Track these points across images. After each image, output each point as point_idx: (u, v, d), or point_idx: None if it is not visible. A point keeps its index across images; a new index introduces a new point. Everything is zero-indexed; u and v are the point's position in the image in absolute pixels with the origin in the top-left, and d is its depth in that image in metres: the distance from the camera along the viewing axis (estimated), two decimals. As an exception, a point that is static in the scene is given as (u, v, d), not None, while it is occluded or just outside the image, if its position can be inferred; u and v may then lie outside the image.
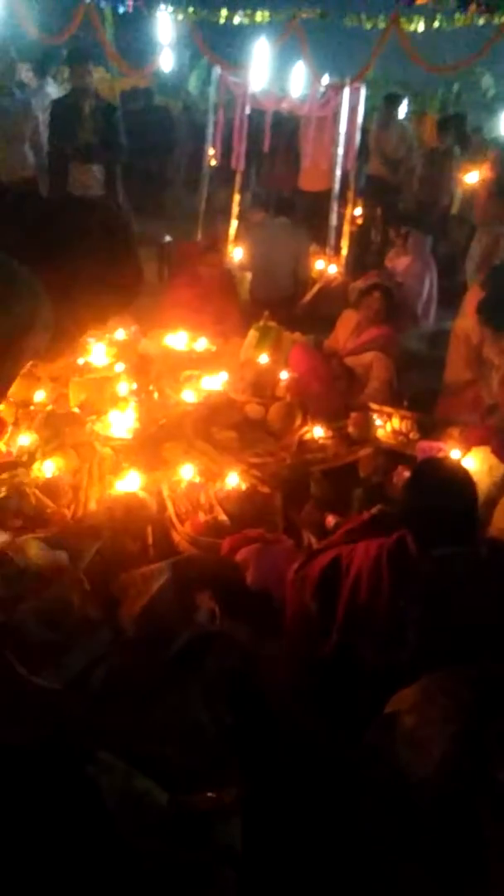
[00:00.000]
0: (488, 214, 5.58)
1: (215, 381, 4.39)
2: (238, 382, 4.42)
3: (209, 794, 1.99)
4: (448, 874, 1.79)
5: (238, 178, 7.20)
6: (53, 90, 8.15)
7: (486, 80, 14.54)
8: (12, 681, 2.18)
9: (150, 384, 4.26)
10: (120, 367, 4.36)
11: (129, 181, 7.37)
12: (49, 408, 3.82)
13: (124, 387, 4.10)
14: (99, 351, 4.48)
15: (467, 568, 2.13)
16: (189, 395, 4.21)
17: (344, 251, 7.09)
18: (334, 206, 6.88)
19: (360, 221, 8.28)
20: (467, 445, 3.45)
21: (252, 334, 5.00)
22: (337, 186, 6.86)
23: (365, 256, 7.89)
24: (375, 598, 2.17)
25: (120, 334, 4.80)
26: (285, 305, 5.96)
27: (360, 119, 6.82)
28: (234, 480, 3.41)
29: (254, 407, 4.12)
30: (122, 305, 1.80)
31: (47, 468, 3.36)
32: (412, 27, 6.29)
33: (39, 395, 3.91)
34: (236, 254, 6.58)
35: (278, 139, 8.51)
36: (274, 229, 6.53)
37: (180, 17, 7.51)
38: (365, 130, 7.38)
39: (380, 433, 3.97)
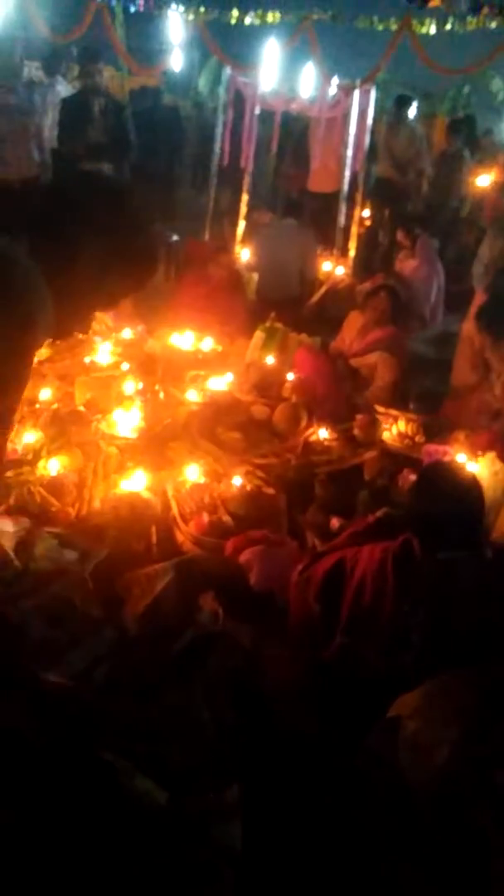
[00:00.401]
0: (499, 217, 5.57)
1: (221, 382, 4.39)
2: (243, 383, 4.42)
3: (209, 794, 1.99)
4: (449, 878, 1.79)
5: (246, 179, 7.20)
6: (63, 88, 8.16)
7: (496, 82, 14.51)
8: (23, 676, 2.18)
9: (156, 384, 4.25)
10: (126, 366, 4.36)
11: (137, 180, 7.38)
12: (55, 406, 3.82)
13: (130, 386, 4.10)
14: (105, 350, 4.49)
15: (472, 572, 2.13)
16: (194, 396, 4.21)
17: (351, 253, 7.09)
18: (342, 208, 6.87)
19: (368, 223, 8.28)
20: (473, 451, 3.44)
21: (258, 335, 5.00)
22: (345, 188, 6.85)
23: (372, 258, 7.89)
24: (380, 601, 2.17)
25: (126, 333, 4.81)
26: (292, 306, 5.96)
27: (369, 121, 6.82)
28: (238, 481, 3.41)
29: (259, 408, 4.11)
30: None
31: (52, 466, 3.36)
32: (424, 29, 6.28)
33: (45, 394, 3.92)
34: (243, 254, 6.59)
35: (287, 140, 8.53)
36: (281, 230, 6.54)
37: (191, 16, 7.51)
38: (374, 132, 7.37)
39: (385, 436, 3.96)
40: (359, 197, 7.30)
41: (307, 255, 6.46)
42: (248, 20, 7.06)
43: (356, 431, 3.94)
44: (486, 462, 3.34)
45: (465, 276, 6.19)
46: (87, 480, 3.35)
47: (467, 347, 4.29)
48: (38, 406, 3.80)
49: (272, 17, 6.95)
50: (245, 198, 7.18)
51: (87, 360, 4.34)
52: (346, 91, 6.60)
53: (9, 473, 3.24)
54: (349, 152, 6.69)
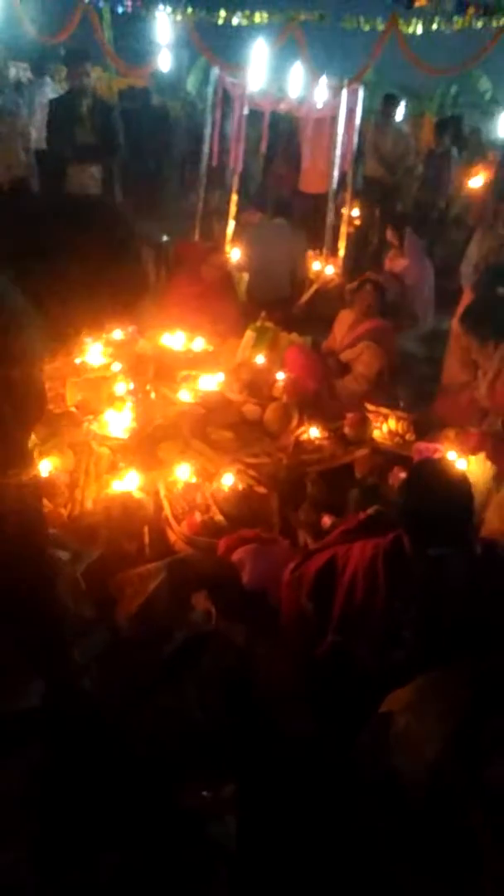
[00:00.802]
0: (488, 216, 5.60)
1: (212, 382, 4.39)
2: (234, 383, 4.42)
3: (204, 793, 2.00)
4: (442, 873, 1.80)
5: (236, 179, 7.21)
6: (51, 89, 8.15)
7: (483, 82, 14.57)
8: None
9: (148, 384, 4.26)
10: (117, 366, 4.36)
11: (126, 180, 7.37)
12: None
13: (121, 386, 4.10)
14: (96, 350, 4.48)
15: (462, 568, 2.14)
16: (186, 396, 4.22)
17: (341, 252, 7.10)
18: (331, 207, 6.89)
19: (357, 223, 8.29)
20: (464, 450, 3.46)
21: (249, 335, 5.01)
22: (334, 187, 6.87)
23: (362, 258, 7.90)
24: (371, 598, 2.19)
25: (117, 334, 4.80)
26: (282, 306, 5.97)
27: (357, 120, 6.83)
28: (230, 480, 3.42)
29: (250, 407, 4.12)
30: (121, 308, 1.79)
31: (44, 467, 3.36)
32: (410, 30, 6.30)
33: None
34: (233, 254, 6.59)
35: (276, 140, 8.53)
36: (271, 230, 6.55)
37: (179, 17, 7.51)
38: (362, 132, 7.39)
39: (376, 434, 3.98)
40: (348, 196, 7.31)
41: (297, 255, 6.47)
42: (235, 21, 7.06)
43: (347, 430, 3.96)
44: (476, 460, 3.36)
45: (454, 274, 6.23)
46: (78, 481, 3.35)
47: (456, 345, 4.31)
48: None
49: (259, 17, 6.96)
50: (234, 198, 7.18)
51: (77, 360, 4.34)
52: (335, 91, 6.61)
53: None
54: (337, 152, 6.70)
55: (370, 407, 4.16)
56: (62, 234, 1.64)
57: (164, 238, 6.90)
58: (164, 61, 9.24)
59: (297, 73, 7.33)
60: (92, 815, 1.94)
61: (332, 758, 2.10)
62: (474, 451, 3.41)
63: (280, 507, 3.38)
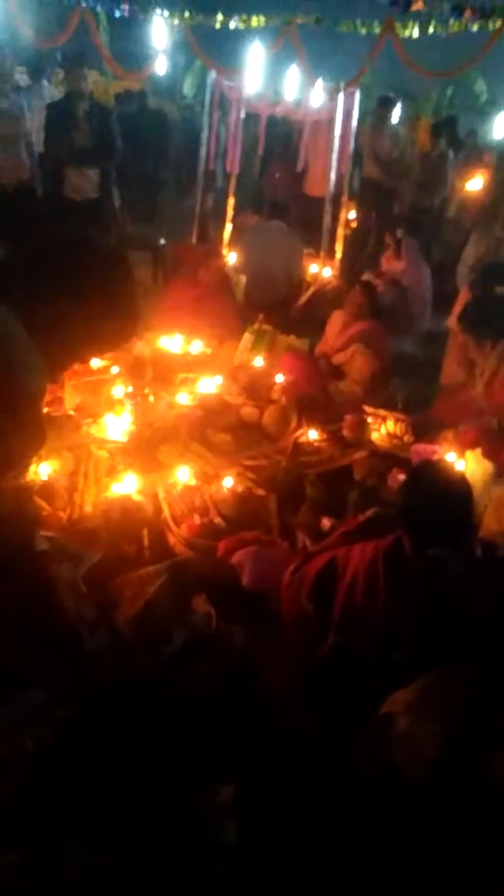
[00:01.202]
0: (485, 217, 5.63)
1: (210, 384, 4.40)
2: (232, 385, 4.43)
3: (205, 794, 2.00)
4: (444, 874, 1.80)
5: (232, 182, 7.22)
6: (48, 93, 8.16)
7: (479, 84, 14.64)
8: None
9: (146, 387, 4.26)
10: (115, 369, 4.36)
11: (123, 184, 7.39)
12: (45, 410, 3.82)
13: (120, 390, 4.11)
14: (94, 354, 4.48)
15: (462, 569, 2.15)
16: (184, 398, 4.22)
17: (338, 255, 7.11)
18: (329, 210, 6.90)
19: (354, 225, 8.31)
20: (463, 446, 3.47)
21: (247, 337, 5.02)
22: (332, 189, 6.88)
23: (359, 260, 7.92)
24: (372, 600, 2.19)
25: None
26: (280, 309, 5.98)
27: (354, 123, 6.85)
28: (229, 483, 3.43)
29: (249, 410, 4.13)
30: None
31: (43, 471, 3.36)
32: (407, 33, 6.32)
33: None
34: (230, 257, 6.61)
35: (274, 143, 8.55)
36: (268, 233, 6.56)
37: (176, 21, 7.52)
38: (358, 134, 7.41)
39: (374, 436, 3.99)
40: (344, 199, 7.33)
41: (294, 258, 6.48)
42: (232, 24, 7.07)
43: (345, 432, 3.97)
44: (473, 458, 3.37)
45: (450, 276, 6.25)
46: (78, 484, 3.35)
47: (454, 345, 4.32)
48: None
49: (256, 21, 6.97)
50: (231, 201, 7.19)
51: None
52: (332, 93, 6.63)
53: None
54: (334, 155, 6.72)
55: (368, 409, 4.17)
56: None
57: (162, 241, 6.92)
58: (161, 65, 9.25)
59: (293, 77, 7.34)
60: (91, 816, 1.94)
61: (333, 759, 2.10)
62: (471, 447, 3.42)
63: (279, 509, 3.39)
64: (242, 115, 6.84)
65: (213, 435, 3.87)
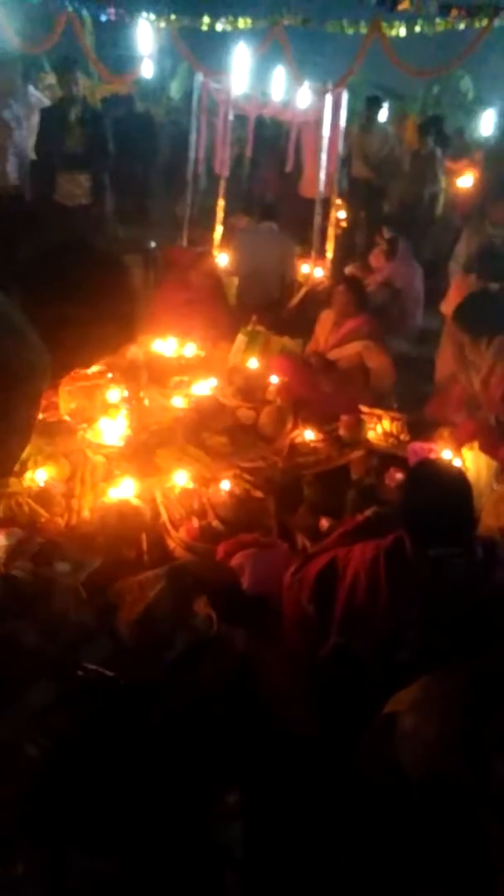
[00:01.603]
0: (475, 215, 5.64)
1: (205, 387, 4.40)
2: (227, 387, 4.43)
3: (210, 798, 2.00)
4: (449, 874, 1.80)
5: (222, 184, 7.22)
6: (35, 99, 8.14)
7: (465, 82, 14.67)
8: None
9: (141, 391, 4.26)
10: (109, 374, 4.35)
11: (114, 188, 7.37)
12: (40, 416, 3.80)
13: (115, 394, 4.10)
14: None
15: (464, 567, 2.15)
16: (179, 401, 4.22)
17: (329, 254, 7.12)
18: (319, 210, 6.91)
19: (344, 224, 8.32)
20: (459, 442, 3.48)
21: (240, 339, 5.01)
22: (321, 190, 6.89)
23: (350, 259, 7.93)
24: (373, 600, 2.19)
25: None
26: (273, 309, 5.97)
27: (343, 123, 6.86)
28: (226, 486, 3.43)
29: (244, 412, 4.13)
30: (113, 348, 1.87)
31: (40, 477, 3.35)
32: (393, 32, 6.34)
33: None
34: (221, 259, 6.60)
35: (263, 144, 8.55)
36: (260, 234, 6.55)
37: (162, 24, 7.52)
38: (347, 134, 7.41)
39: (370, 435, 4.00)
40: (334, 198, 7.34)
41: (286, 258, 6.48)
42: (219, 27, 7.07)
43: (341, 432, 3.98)
44: (472, 456, 3.38)
45: (441, 274, 6.26)
46: (75, 490, 3.35)
47: (448, 341, 4.29)
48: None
49: (243, 22, 6.97)
50: (222, 203, 7.19)
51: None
52: (320, 94, 6.63)
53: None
54: (324, 155, 6.72)
55: (364, 408, 4.18)
56: (63, 281, 1.67)
57: (152, 244, 6.90)
58: (147, 68, 9.25)
59: (280, 78, 7.35)
60: (92, 822, 1.93)
61: (337, 759, 2.10)
62: (469, 440, 3.42)
63: (277, 510, 3.39)
64: (231, 116, 6.84)
65: (210, 438, 3.88)
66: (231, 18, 6.96)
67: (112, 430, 3.80)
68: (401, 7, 5.99)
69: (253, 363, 4.76)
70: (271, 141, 9.06)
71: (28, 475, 3.36)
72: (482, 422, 3.63)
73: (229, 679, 2.39)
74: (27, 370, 1.59)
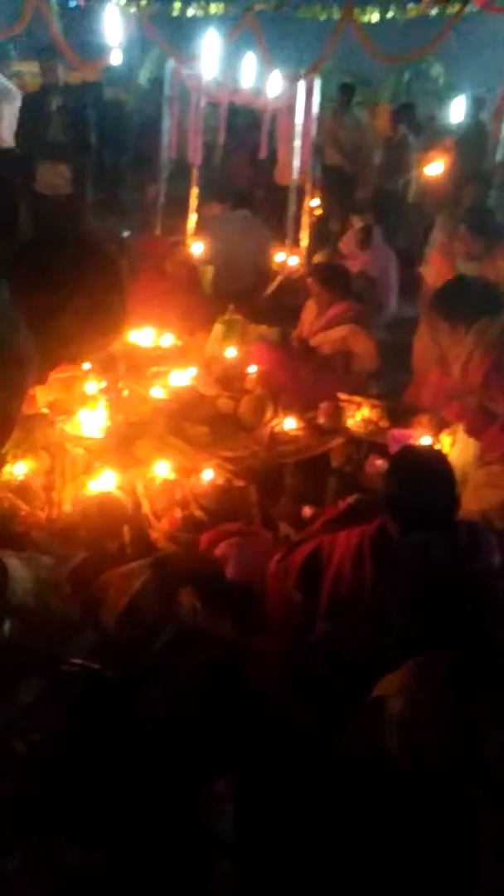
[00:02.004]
0: (448, 201, 5.67)
1: (183, 377, 4.38)
2: (206, 377, 4.41)
3: (200, 787, 2.00)
4: (440, 858, 1.82)
5: (195, 172, 7.16)
6: (1, 85, 8.00)
7: (436, 68, 14.70)
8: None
9: (119, 381, 4.22)
10: (87, 365, 4.31)
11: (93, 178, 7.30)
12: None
13: (93, 385, 4.06)
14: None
15: (448, 551, 2.17)
16: (158, 392, 4.19)
17: (304, 243, 7.11)
18: (293, 198, 6.89)
19: (318, 212, 8.31)
20: (438, 431, 3.50)
21: (217, 328, 4.99)
22: (295, 177, 6.87)
23: (324, 247, 7.93)
24: (359, 585, 2.20)
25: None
26: (249, 298, 5.95)
27: (315, 110, 6.83)
28: (208, 475, 3.42)
29: (224, 401, 4.12)
30: (99, 347, 1.83)
31: (18, 470, 3.32)
32: (366, 18, 6.32)
33: (6, 397, 3.85)
34: (196, 248, 6.56)
35: (235, 132, 8.49)
36: (234, 222, 6.52)
37: (132, 9, 7.42)
38: (320, 121, 7.39)
39: (350, 422, 4.01)
40: (308, 186, 7.32)
41: (261, 247, 6.46)
42: (190, 12, 7.00)
43: (321, 419, 3.98)
44: (460, 439, 3.41)
45: (416, 260, 6.28)
46: (55, 483, 3.32)
47: (426, 328, 4.29)
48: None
49: (215, 8, 6.91)
50: (195, 191, 7.13)
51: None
52: (291, 81, 6.60)
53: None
54: (297, 143, 6.70)
55: (343, 396, 4.19)
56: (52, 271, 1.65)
57: (126, 234, 6.84)
58: (116, 55, 9.13)
59: (251, 64, 7.30)
60: (81, 815, 1.93)
61: (325, 745, 2.11)
62: (456, 421, 3.44)
63: (259, 499, 3.39)
64: (203, 104, 6.78)
65: (190, 428, 3.86)
66: (203, 4, 6.90)
67: (91, 422, 3.76)
68: (374, -8, 5.99)
69: (231, 352, 4.74)
70: (244, 129, 9.00)
71: (7, 469, 3.32)
72: (466, 406, 3.65)
73: (216, 668, 2.39)
74: (14, 361, 1.57)
